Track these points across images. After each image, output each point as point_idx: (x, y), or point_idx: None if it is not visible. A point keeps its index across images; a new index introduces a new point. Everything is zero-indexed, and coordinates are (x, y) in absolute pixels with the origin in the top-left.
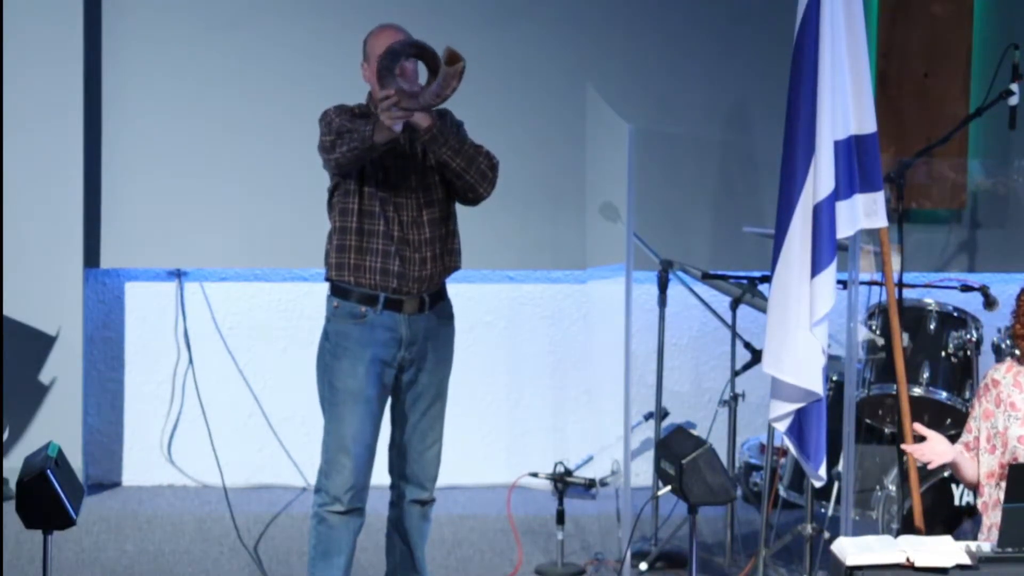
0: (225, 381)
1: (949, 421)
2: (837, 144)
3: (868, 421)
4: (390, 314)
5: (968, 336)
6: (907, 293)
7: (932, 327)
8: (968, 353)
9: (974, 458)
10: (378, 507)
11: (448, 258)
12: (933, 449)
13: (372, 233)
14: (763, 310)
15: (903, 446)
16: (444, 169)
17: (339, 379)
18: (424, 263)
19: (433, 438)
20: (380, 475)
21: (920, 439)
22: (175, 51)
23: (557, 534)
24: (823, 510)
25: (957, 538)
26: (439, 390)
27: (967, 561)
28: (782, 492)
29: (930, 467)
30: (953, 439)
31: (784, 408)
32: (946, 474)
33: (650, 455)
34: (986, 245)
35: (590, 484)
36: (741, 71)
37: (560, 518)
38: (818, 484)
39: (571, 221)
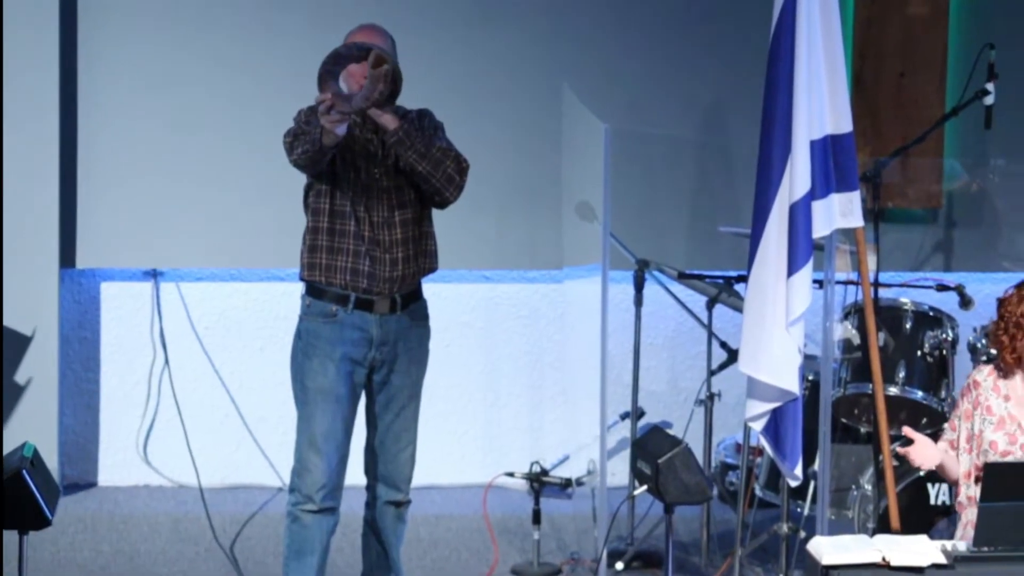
0: (201, 381)
1: (925, 420)
2: (813, 144)
3: (844, 420)
4: (361, 314)
5: (944, 335)
6: (883, 292)
7: (908, 326)
8: (944, 352)
9: (957, 456)
10: (355, 507)
11: (423, 259)
12: (922, 453)
13: (343, 233)
14: (739, 309)
15: (899, 449)
16: (411, 172)
17: (310, 378)
18: (395, 264)
19: (407, 440)
20: (358, 475)
21: (905, 441)
22: (151, 51)
23: (533, 534)
24: (799, 509)
25: (933, 537)
26: (412, 392)
27: (943, 560)
28: (758, 491)
29: (923, 470)
30: (930, 438)
31: (760, 407)
32: (922, 473)
33: (626, 455)
34: (962, 244)
35: (566, 484)
36: (717, 71)
37: (536, 518)
38: (794, 483)
39: (547, 221)
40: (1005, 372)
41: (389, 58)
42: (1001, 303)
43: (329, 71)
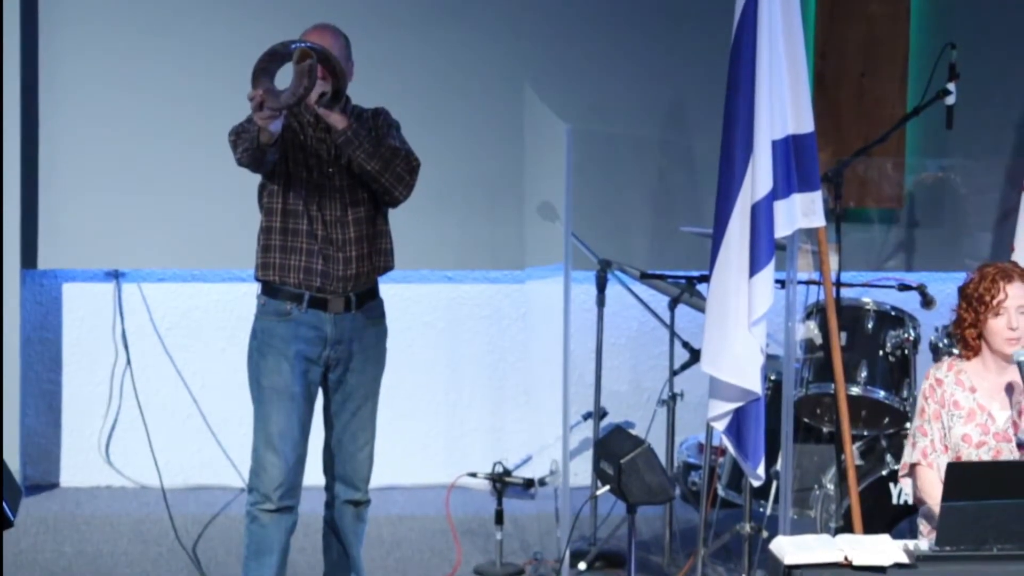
0: (163, 382)
1: (887, 420)
2: (775, 144)
3: (806, 420)
4: (315, 312)
5: (905, 335)
6: (845, 292)
7: (870, 326)
8: (906, 352)
9: (932, 464)
10: (316, 507)
11: (377, 258)
12: None
13: (296, 232)
14: (701, 310)
15: None
16: (360, 171)
17: (265, 376)
18: (349, 263)
19: (365, 439)
20: (319, 475)
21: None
22: (111, 53)
23: (496, 534)
24: (761, 509)
25: (895, 537)
26: (368, 391)
27: (905, 560)
28: (720, 491)
29: None
30: (892, 438)
31: (722, 407)
32: (884, 472)
33: (589, 455)
34: (923, 244)
35: (529, 484)
36: (679, 71)
37: (499, 518)
38: (756, 483)
39: (509, 221)
40: (967, 357)
41: (313, 54)
42: (962, 288)
43: (263, 68)
